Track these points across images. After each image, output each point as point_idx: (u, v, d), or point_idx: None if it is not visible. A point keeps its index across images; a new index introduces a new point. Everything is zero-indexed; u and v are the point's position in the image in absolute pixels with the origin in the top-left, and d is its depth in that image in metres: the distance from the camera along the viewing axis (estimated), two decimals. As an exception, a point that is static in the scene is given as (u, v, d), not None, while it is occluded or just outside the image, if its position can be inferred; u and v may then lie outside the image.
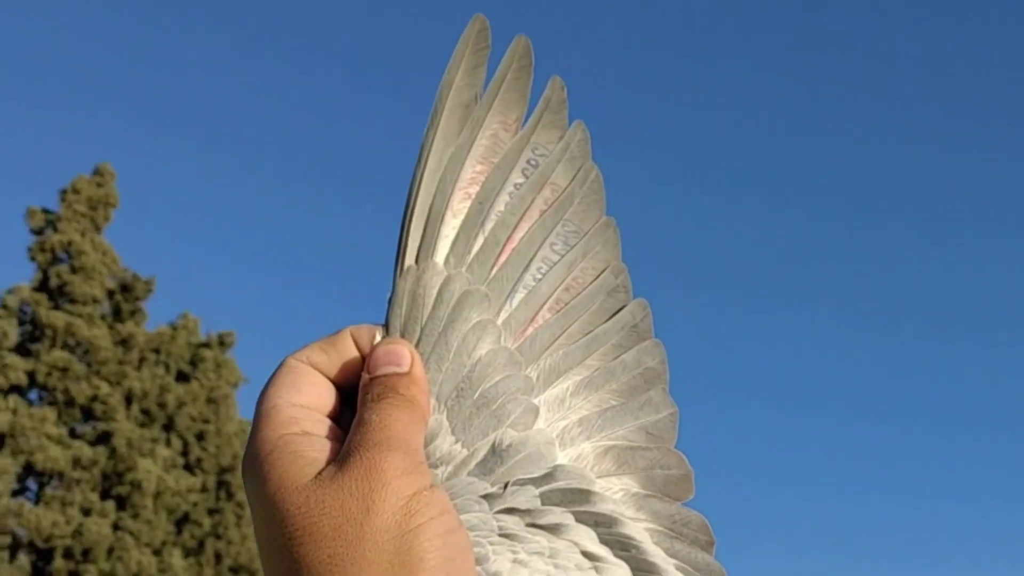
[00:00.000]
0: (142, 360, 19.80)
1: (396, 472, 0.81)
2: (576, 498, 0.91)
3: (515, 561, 0.86)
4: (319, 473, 0.82)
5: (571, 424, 0.93)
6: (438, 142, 0.93)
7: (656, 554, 0.91)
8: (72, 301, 19.63)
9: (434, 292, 0.91)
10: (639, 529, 0.92)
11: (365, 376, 0.88)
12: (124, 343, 19.79)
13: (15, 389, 19.45)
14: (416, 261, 0.91)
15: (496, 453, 0.89)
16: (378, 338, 0.90)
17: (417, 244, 0.92)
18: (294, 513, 0.80)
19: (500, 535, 0.87)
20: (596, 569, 0.89)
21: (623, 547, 0.90)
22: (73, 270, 19.89)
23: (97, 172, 20.69)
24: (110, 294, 20.16)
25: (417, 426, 0.85)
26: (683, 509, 0.94)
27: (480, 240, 0.93)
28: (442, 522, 0.81)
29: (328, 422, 0.87)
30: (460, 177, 0.93)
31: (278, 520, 0.81)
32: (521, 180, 0.95)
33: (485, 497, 0.88)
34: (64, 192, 20.43)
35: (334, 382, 0.89)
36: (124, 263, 20.44)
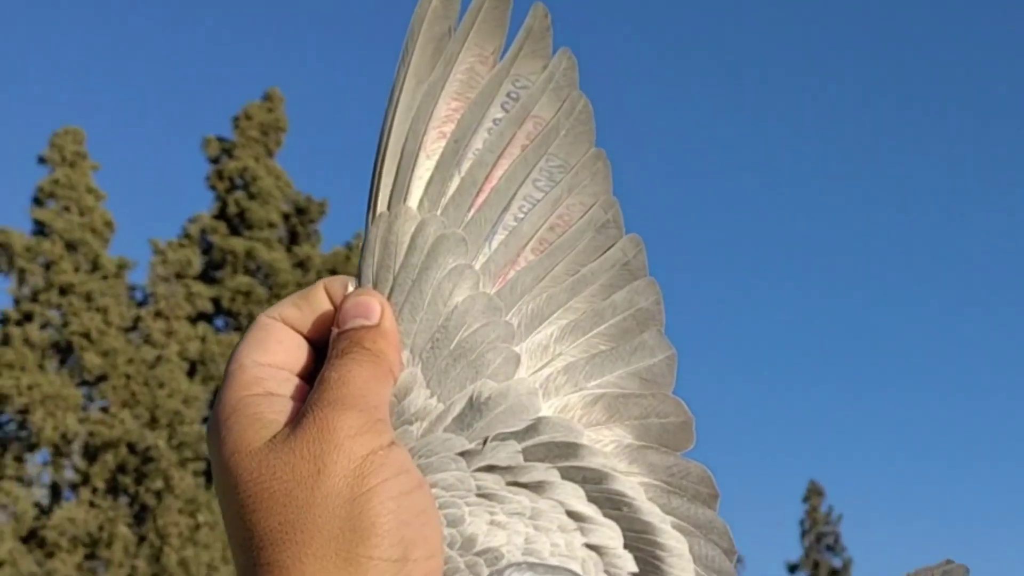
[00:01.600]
0: (321, 282, 20.22)
1: (349, 432, 0.78)
2: (562, 452, 0.86)
3: (492, 523, 0.83)
4: (274, 436, 0.79)
5: (556, 372, 0.88)
6: (410, 79, 0.89)
7: (650, 511, 0.87)
8: (250, 227, 20.12)
9: (407, 239, 0.87)
10: (632, 484, 0.88)
11: (334, 331, 0.85)
12: (301, 265, 20.24)
13: (202, 316, 20.08)
14: (388, 207, 0.88)
15: (474, 406, 0.85)
16: (350, 289, 0.87)
17: (389, 189, 0.88)
18: (246, 479, 0.79)
19: (478, 495, 0.83)
20: (581, 530, 0.85)
21: (613, 505, 0.86)
22: (250, 196, 20.37)
23: (267, 97, 21.07)
24: (285, 218, 20.59)
25: (380, 382, 0.82)
26: (682, 460, 0.89)
27: (456, 181, 0.89)
28: (397, 483, 0.78)
29: (296, 381, 0.84)
30: (434, 115, 0.89)
31: (232, 486, 0.79)
32: (501, 115, 0.90)
33: (463, 454, 0.84)
34: (237, 119, 20.87)
35: (309, 338, 0.86)
36: (297, 187, 20.86)
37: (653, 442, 0.89)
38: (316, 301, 0.87)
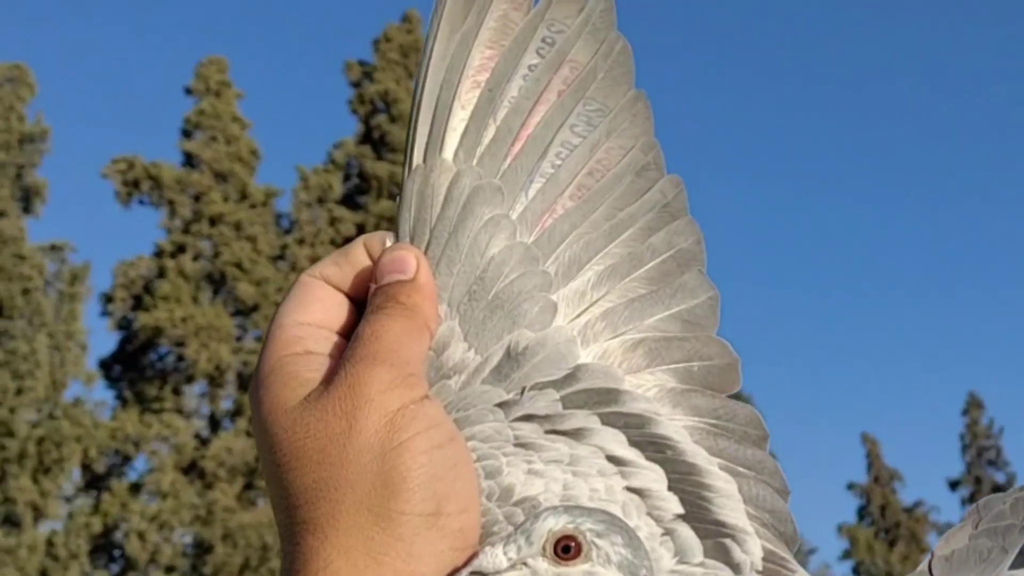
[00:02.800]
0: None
1: (380, 387, 0.80)
2: (602, 399, 0.87)
3: (529, 472, 0.84)
4: (308, 394, 0.81)
5: (594, 319, 0.89)
6: (443, 29, 0.90)
7: (696, 453, 0.87)
8: (392, 150, 20.25)
9: (443, 191, 0.88)
10: (676, 428, 0.88)
11: (372, 286, 0.87)
12: (446, 187, 20.29)
13: (347, 242, 20.29)
14: (424, 159, 0.89)
15: (511, 357, 0.86)
16: (388, 244, 0.88)
17: (424, 141, 0.89)
18: (282, 438, 0.81)
19: (515, 445, 0.84)
20: (622, 474, 0.85)
21: (657, 448, 0.87)
22: (391, 119, 20.49)
23: (406, 19, 21.12)
24: (428, 140, 20.64)
25: (414, 336, 0.84)
26: (728, 402, 0.89)
27: (491, 130, 0.90)
28: (429, 437, 0.80)
29: (336, 339, 0.86)
30: (467, 65, 0.90)
31: (269, 445, 0.81)
32: (536, 61, 0.91)
33: (501, 405, 0.85)
34: (376, 42, 20.97)
35: (350, 295, 0.88)
36: (439, 108, 20.84)
37: (697, 385, 0.89)
38: (356, 258, 0.88)
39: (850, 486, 24.14)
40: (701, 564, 0.84)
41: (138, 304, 19.47)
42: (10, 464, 17.56)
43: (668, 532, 0.85)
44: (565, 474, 0.84)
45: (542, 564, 0.76)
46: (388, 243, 0.88)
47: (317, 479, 0.79)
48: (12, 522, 17.40)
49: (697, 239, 0.91)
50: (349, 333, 0.86)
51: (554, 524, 0.76)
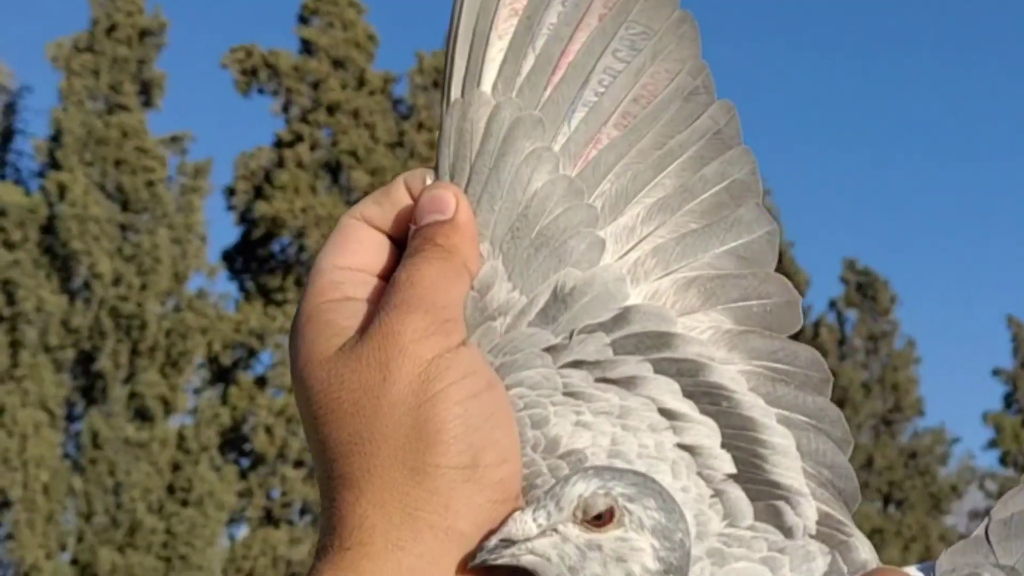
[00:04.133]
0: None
1: (414, 335, 0.79)
2: (654, 343, 0.84)
3: (577, 423, 0.82)
4: (344, 344, 0.80)
5: (644, 256, 0.86)
6: None
7: (753, 404, 0.84)
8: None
9: (482, 125, 0.86)
10: (732, 374, 0.85)
11: (411, 227, 0.85)
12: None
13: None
14: (462, 93, 0.86)
15: (559, 298, 0.84)
16: (428, 183, 0.86)
17: (462, 73, 0.86)
18: (317, 390, 0.80)
19: (564, 393, 0.83)
20: (674, 429, 0.83)
21: (711, 399, 0.84)
22: None
23: None
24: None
25: (451, 279, 0.82)
26: (788, 344, 0.86)
27: (530, 60, 0.86)
28: (464, 386, 0.78)
29: (376, 283, 0.84)
30: None
31: (305, 398, 0.81)
32: None
33: (549, 350, 0.83)
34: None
35: (391, 235, 0.86)
36: None
37: (755, 326, 0.86)
38: (397, 197, 0.86)
39: (995, 372, 23.75)
40: (750, 528, 0.82)
41: (258, 195, 19.72)
42: (139, 358, 18.02)
43: (718, 493, 0.83)
44: (614, 428, 0.82)
45: (573, 530, 0.75)
46: (428, 181, 0.86)
47: (352, 432, 0.78)
48: (143, 416, 17.90)
49: (752, 169, 0.87)
50: (390, 276, 0.84)
51: (584, 489, 0.75)
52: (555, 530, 0.75)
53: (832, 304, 22.17)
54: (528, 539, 0.75)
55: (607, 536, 0.75)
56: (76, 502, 17.34)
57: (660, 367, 0.84)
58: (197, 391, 19.18)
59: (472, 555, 0.76)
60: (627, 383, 0.84)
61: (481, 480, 0.78)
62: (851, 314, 22.23)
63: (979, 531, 0.82)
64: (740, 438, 0.84)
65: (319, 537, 0.80)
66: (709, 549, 0.81)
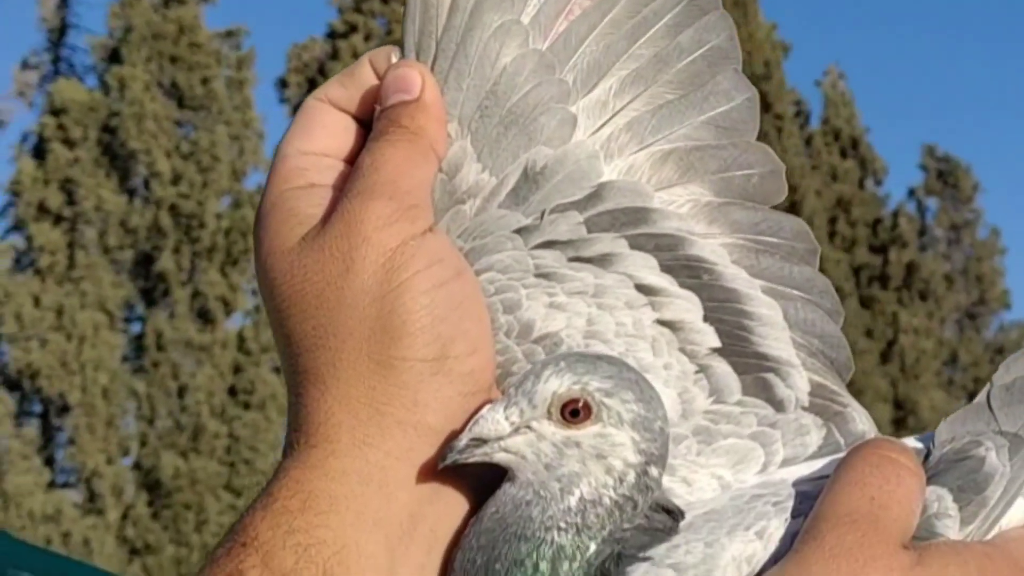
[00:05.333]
0: None
1: (378, 223, 0.78)
2: (630, 219, 0.83)
3: (551, 306, 0.81)
4: (306, 234, 0.79)
5: (617, 130, 0.84)
6: None
7: (736, 277, 0.83)
8: None
9: None
10: (713, 247, 0.84)
11: (377, 109, 0.84)
12: None
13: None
14: None
15: (529, 177, 0.83)
16: (394, 60, 0.85)
17: None
18: (280, 282, 0.79)
19: (536, 275, 0.82)
20: (652, 305, 0.82)
21: (692, 273, 0.83)
22: None
23: None
24: None
25: (416, 163, 0.81)
26: (772, 214, 0.85)
27: None
28: (430, 275, 0.78)
29: (342, 167, 0.83)
30: None
31: (268, 290, 0.80)
32: None
33: (519, 232, 0.82)
34: None
35: (358, 117, 0.85)
36: None
37: (736, 197, 0.84)
38: (362, 77, 0.85)
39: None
40: (739, 403, 0.82)
41: (311, 87, 19.66)
42: (199, 259, 18.17)
43: (702, 369, 0.82)
44: (590, 307, 0.82)
45: (548, 427, 0.75)
46: (394, 59, 0.85)
47: (316, 326, 0.78)
48: (204, 318, 18.08)
49: (730, 35, 0.85)
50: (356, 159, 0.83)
51: (558, 386, 0.74)
52: (529, 427, 0.75)
53: (911, 193, 21.94)
54: (501, 437, 0.75)
55: (585, 432, 0.75)
56: (137, 406, 17.61)
57: (636, 243, 0.83)
58: (256, 291, 19.32)
59: (442, 455, 0.76)
60: (602, 261, 0.83)
61: (450, 372, 0.77)
62: (932, 203, 21.99)
63: (980, 398, 0.81)
64: (724, 311, 0.83)
65: (286, 434, 0.80)
66: (695, 427, 0.81)
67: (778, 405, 0.82)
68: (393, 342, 0.76)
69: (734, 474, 0.80)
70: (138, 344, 18.13)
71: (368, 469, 0.76)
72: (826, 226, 19.45)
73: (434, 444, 0.77)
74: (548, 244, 0.82)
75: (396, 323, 0.76)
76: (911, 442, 0.81)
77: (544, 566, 0.74)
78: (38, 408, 17.66)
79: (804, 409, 0.82)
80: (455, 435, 0.76)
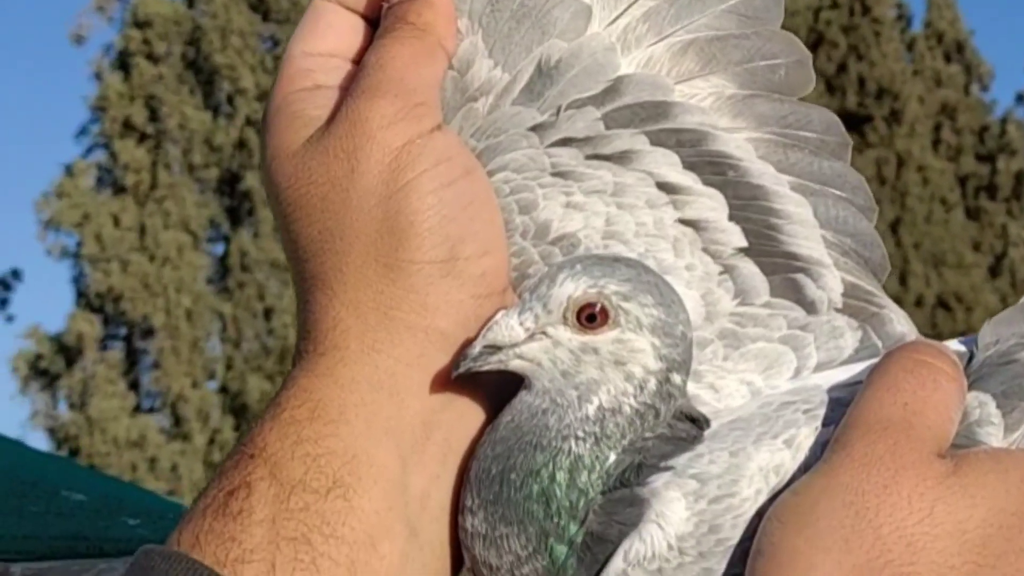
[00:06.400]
0: None
1: (382, 122, 0.77)
2: (650, 114, 0.82)
3: (568, 205, 0.80)
4: (311, 136, 0.79)
5: (634, 21, 0.83)
6: None
7: (762, 173, 0.82)
8: None
9: None
10: (738, 142, 0.82)
11: (384, 6, 0.83)
12: None
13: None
14: None
15: (543, 72, 0.82)
16: None
17: None
18: (285, 186, 0.79)
19: (552, 174, 0.81)
20: (674, 204, 0.81)
21: (716, 169, 0.81)
22: None
23: None
24: None
25: (424, 60, 0.80)
26: (800, 106, 0.83)
27: None
28: (437, 174, 0.77)
29: (349, 68, 0.83)
30: None
31: (275, 194, 0.80)
32: None
33: (534, 129, 0.81)
34: None
35: (367, 16, 0.84)
36: None
37: (761, 89, 0.83)
38: None
39: None
40: (767, 304, 0.80)
41: None
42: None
43: (728, 269, 0.80)
44: (608, 207, 0.80)
45: (564, 333, 0.74)
46: None
47: (321, 229, 0.78)
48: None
49: None
50: None
51: (573, 290, 0.73)
52: (544, 333, 0.74)
53: (1020, 98, 21.53)
54: (515, 344, 0.74)
55: (602, 338, 0.74)
56: (222, 328, 17.82)
57: (657, 139, 0.82)
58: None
59: (455, 363, 0.75)
60: (621, 158, 0.81)
61: (461, 274, 0.77)
62: (1043, 108, 21.57)
63: None
64: (750, 208, 0.81)
65: (296, 342, 0.79)
66: (721, 330, 0.79)
67: (809, 307, 0.80)
68: (400, 244, 0.76)
69: (765, 379, 0.79)
70: (222, 265, 18.32)
71: (378, 376, 0.76)
72: (930, 134, 19.14)
73: (446, 349, 0.77)
74: (565, 141, 0.81)
75: (403, 224, 0.76)
76: (953, 345, 0.79)
77: (561, 476, 0.73)
78: (122, 332, 17.91)
79: (837, 311, 0.80)
80: (469, 343, 0.75)
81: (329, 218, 0.77)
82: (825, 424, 0.75)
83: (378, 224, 0.76)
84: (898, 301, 0.83)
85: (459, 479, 0.77)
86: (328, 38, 0.83)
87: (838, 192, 0.82)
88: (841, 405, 0.75)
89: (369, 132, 0.77)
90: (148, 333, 17.55)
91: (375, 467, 0.75)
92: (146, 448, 16.82)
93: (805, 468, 0.73)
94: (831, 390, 0.77)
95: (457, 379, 0.76)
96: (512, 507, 0.73)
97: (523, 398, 0.75)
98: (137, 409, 17.49)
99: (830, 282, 0.80)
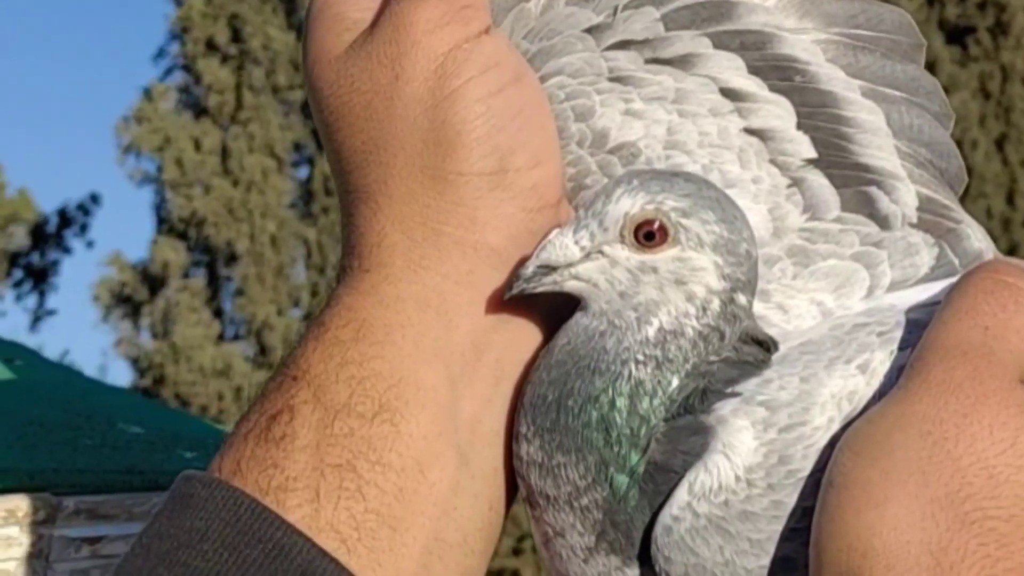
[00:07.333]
0: None
1: (428, 25, 0.75)
2: (712, 14, 0.80)
3: (627, 112, 0.78)
4: (355, 40, 0.77)
5: None
6: None
7: (831, 77, 0.79)
8: None
9: None
10: (805, 44, 0.80)
11: None
12: None
13: None
14: None
15: None
16: None
17: None
18: (327, 94, 0.77)
19: (610, 79, 0.79)
20: (739, 112, 0.79)
21: (782, 74, 0.79)
22: None
23: None
24: None
25: None
26: (871, 4, 0.81)
27: None
28: (486, 81, 0.75)
29: None
30: None
31: (316, 104, 0.79)
32: None
33: (590, 30, 0.79)
34: None
35: None
36: None
37: None
38: None
39: None
40: (838, 219, 0.78)
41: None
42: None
43: (796, 182, 0.78)
44: (669, 114, 0.78)
45: (621, 252, 0.72)
46: None
47: (365, 140, 0.76)
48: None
49: None
50: None
51: (630, 206, 0.71)
52: (601, 252, 0.72)
53: None
54: (571, 264, 0.72)
55: (662, 257, 0.72)
56: (307, 254, 17.93)
57: (720, 41, 0.79)
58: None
59: (507, 283, 0.74)
60: (682, 62, 0.79)
61: (512, 186, 0.75)
62: None
63: None
64: (819, 116, 0.79)
65: (340, 258, 0.78)
66: (789, 247, 0.77)
67: (882, 222, 0.78)
68: (447, 155, 0.74)
69: (836, 299, 0.76)
70: (306, 189, 18.40)
71: (425, 294, 0.75)
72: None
73: (496, 266, 0.75)
74: (622, 44, 0.79)
75: (450, 134, 0.74)
76: None
77: (621, 402, 0.71)
78: (204, 258, 18.08)
79: (912, 226, 0.78)
80: (522, 262, 0.73)
81: (373, 127, 0.75)
82: (901, 348, 0.72)
83: (424, 134, 0.75)
84: (1005, 222, 0.79)
85: (512, 404, 0.75)
86: None
87: (912, 98, 0.80)
88: (917, 327, 0.72)
89: (414, 37, 0.75)
90: (231, 259, 17.69)
91: (423, 390, 0.73)
92: (232, 377, 17.00)
93: (880, 395, 0.71)
94: (906, 311, 0.74)
95: (510, 300, 0.74)
96: (570, 435, 0.72)
97: (579, 320, 0.73)
98: (221, 337, 17.68)
99: (904, 195, 0.78)
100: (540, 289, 0.73)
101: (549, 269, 0.72)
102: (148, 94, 18.08)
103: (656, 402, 0.71)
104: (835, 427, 0.71)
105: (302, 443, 0.71)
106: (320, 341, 0.74)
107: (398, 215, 0.75)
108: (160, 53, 18.76)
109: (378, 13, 0.77)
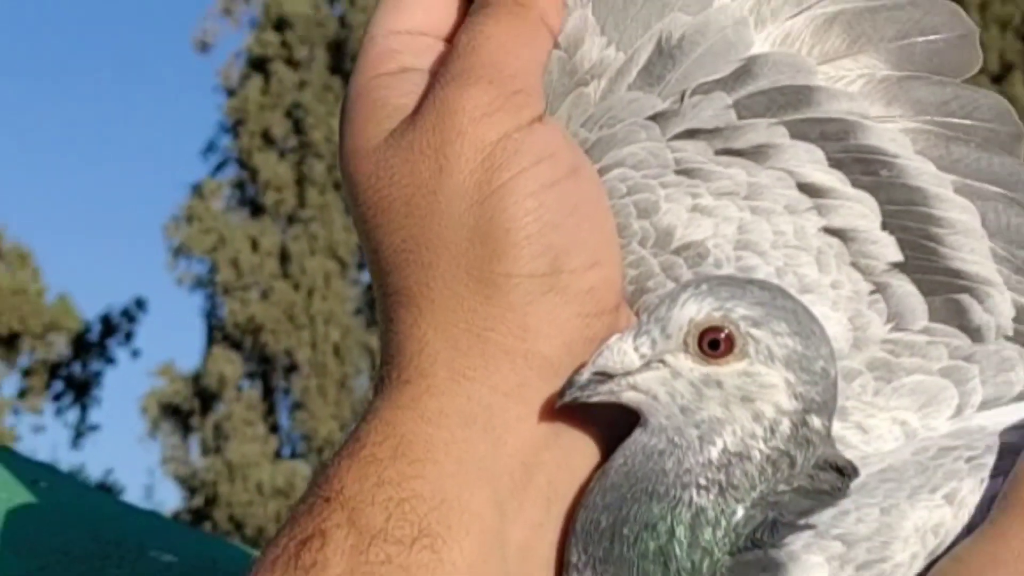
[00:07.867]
0: None
1: (475, 113, 0.75)
2: (789, 101, 0.79)
3: (694, 209, 0.78)
4: (395, 128, 0.77)
5: None
6: None
7: (921, 172, 0.79)
8: None
9: None
10: (893, 134, 0.79)
11: None
12: None
13: None
14: None
15: (664, 52, 0.80)
16: None
17: None
18: (365, 186, 0.77)
19: (676, 172, 0.79)
20: (818, 209, 0.78)
21: (866, 168, 0.79)
22: None
23: None
24: None
25: (523, 40, 0.78)
26: (965, 90, 0.80)
27: None
28: (538, 173, 0.75)
29: (441, 48, 0.81)
30: None
31: (353, 197, 0.78)
32: None
33: (655, 118, 0.79)
34: None
35: None
36: None
37: (919, 69, 0.80)
38: None
39: None
40: (924, 330, 0.77)
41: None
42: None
43: (879, 288, 0.78)
44: (741, 211, 0.78)
45: (684, 362, 0.71)
46: None
47: (406, 238, 0.76)
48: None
49: None
50: None
51: (696, 312, 0.71)
52: (662, 361, 0.72)
53: None
54: (629, 372, 0.72)
55: (728, 370, 0.71)
56: (372, 365, 17.98)
57: (798, 131, 0.79)
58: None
59: (560, 392, 0.73)
60: (756, 154, 0.79)
61: (566, 290, 0.74)
62: None
63: None
64: (906, 215, 0.78)
65: (379, 367, 0.78)
66: (870, 360, 0.77)
67: (974, 333, 0.77)
68: (495, 255, 0.74)
69: (921, 419, 0.75)
70: (372, 295, 18.48)
71: (471, 408, 0.74)
72: None
73: (549, 378, 0.74)
74: (690, 133, 0.79)
75: (498, 232, 0.74)
76: None
77: (681, 532, 0.70)
78: (259, 368, 18.16)
79: (1007, 339, 0.77)
80: (578, 370, 0.73)
81: (414, 225, 0.75)
82: (992, 476, 0.71)
83: (470, 232, 0.74)
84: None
85: (565, 530, 0.74)
86: (416, 14, 0.81)
87: (1010, 194, 0.79)
88: (1011, 452, 0.71)
89: (459, 125, 0.75)
90: (290, 370, 17.76)
91: (467, 514, 0.72)
92: (292, 497, 17.02)
93: (969, 529, 0.70)
94: (999, 434, 0.73)
95: (562, 410, 0.73)
96: (625, 566, 0.71)
97: (638, 437, 0.73)
98: (278, 455, 17.71)
99: (999, 304, 0.77)
100: (595, 399, 0.72)
101: (606, 377, 0.72)
102: (198, 191, 18.28)
103: (720, 533, 0.70)
104: (919, 564, 0.69)
105: (335, 571, 0.70)
106: (355, 459, 0.73)
107: (441, 321, 0.74)
108: (210, 147, 18.99)
109: (421, 99, 0.77)
